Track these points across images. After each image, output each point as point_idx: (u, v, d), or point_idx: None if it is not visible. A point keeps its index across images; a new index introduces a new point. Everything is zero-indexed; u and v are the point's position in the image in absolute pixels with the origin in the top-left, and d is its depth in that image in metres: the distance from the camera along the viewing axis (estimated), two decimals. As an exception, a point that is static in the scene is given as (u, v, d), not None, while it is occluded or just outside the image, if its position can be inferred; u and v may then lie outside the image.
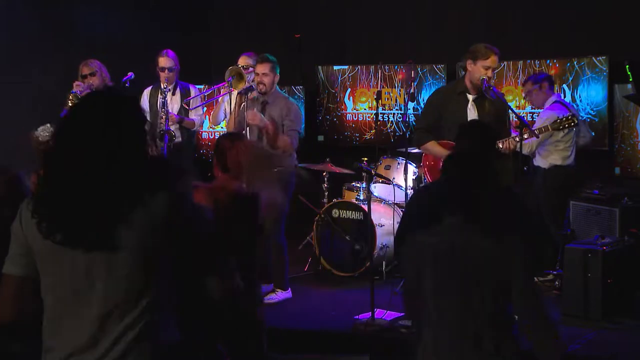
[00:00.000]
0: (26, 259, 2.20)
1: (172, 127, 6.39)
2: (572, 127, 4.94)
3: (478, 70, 5.19)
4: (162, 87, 6.44)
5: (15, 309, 2.22)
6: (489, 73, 5.18)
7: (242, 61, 6.29)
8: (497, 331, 2.74)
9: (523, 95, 6.46)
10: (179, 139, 6.48)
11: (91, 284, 2.14)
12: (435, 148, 5.28)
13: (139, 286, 2.15)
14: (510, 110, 5.18)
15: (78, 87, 6.19)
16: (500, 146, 5.03)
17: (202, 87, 7.16)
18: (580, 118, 6.48)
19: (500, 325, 2.75)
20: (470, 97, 5.25)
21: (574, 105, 6.61)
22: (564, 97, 6.71)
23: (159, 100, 6.43)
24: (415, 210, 3.78)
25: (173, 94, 6.55)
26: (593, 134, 6.53)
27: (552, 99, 6.14)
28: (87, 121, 2.18)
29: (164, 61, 6.45)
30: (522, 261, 2.71)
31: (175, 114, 6.45)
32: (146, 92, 6.63)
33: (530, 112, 6.89)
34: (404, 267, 2.91)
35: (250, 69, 6.06)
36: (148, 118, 6.59)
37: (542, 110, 6.09)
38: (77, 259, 2.14)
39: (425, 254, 2.77)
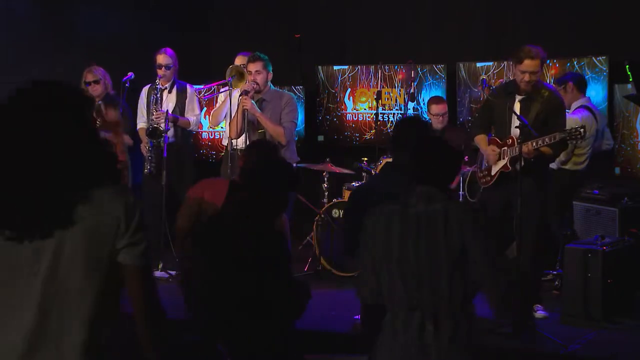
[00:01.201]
0: None
1: (162, 124, 6.36)
2: (575, 139, 4.86)
3: (517, 74, 5.06)
4: (155, 83, 6.44)
5: None
6: (526, 77, 4.99)
7: (239, 61, 6.32)
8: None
9: None
10: (173, 139, 6.48)
11: (29, 281, 2.11)
12: (480, 142, 5.29)
13: (80, 287, 2.12)
14: (513, 112, 5.09)
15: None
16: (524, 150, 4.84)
17: (201, 87, 7.16)
18: (604, 124, 6.38)
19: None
20: (517, 97, 5.12)
21: (601, 112, 6.45)
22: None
23: (152, 97, 6.43)
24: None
25: (170, 92, 6.55)
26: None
27: (580, 101, 6.03)
28: (26, 114, 2.15)
29: (161, 58, 6.45)
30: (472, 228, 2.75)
31: (170, 112, 6.44)
32: (144, 90, 6.64)
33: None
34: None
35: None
36: (145, 115, 6.58)
37: (569, 112, 5.85)
38: (21, 253, 2.11)
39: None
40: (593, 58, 6.73)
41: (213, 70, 7.75)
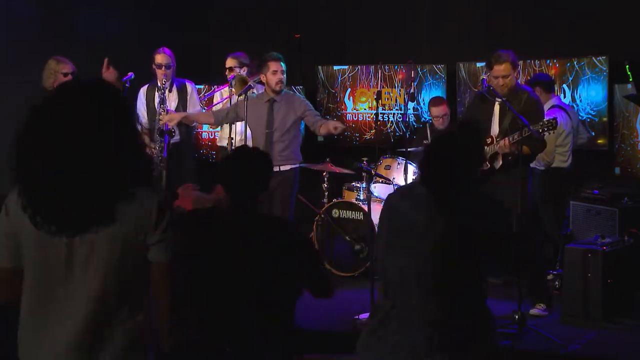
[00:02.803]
0: (15, 251, 2.25)
1: (170, 125, 6.38)
2: (549, 131, 4.99)
3: (491, 79, 5.28)
4: (158, 84, 6.43)
5: (4, 297, 2.30)
6: (500, 82, 5.22)
7: (230, 62, 6.34)
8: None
9: None
10: (177, 139, 6.48)
11: (71, 275, 2.19)
12: None
13: (120, 282, 2.21)
14: (513, 111, 5.18)
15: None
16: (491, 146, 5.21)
17: (201, 87, 7.15)
18: (580, 118, 6.50)
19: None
20: (497, 100, 5.32)
21: (574, 107, 6.60)
22: (564, 97, 6.71)
23: (157, 98, 6.42)
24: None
25: (170, 91, 6.55)
26: (593, 134, 6.54)
27: (551, 102, 6.14)
28: (72, 112, 2.18)
29: (160, 58, 6.44)
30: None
31: (174, 110, 6.44)
32: (142, 91, 6.63)
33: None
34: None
35: (240, 69, 6.18)
36: (145, 117, 6.58)
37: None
38: (62, 249, 2.19)
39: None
40: (593, 58, 6.73)
41: (213, 70, 7.75)
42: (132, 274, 2.23)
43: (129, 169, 2.20)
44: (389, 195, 3.11)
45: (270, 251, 2.97)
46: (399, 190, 3.28)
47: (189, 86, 6.62)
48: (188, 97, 6.58)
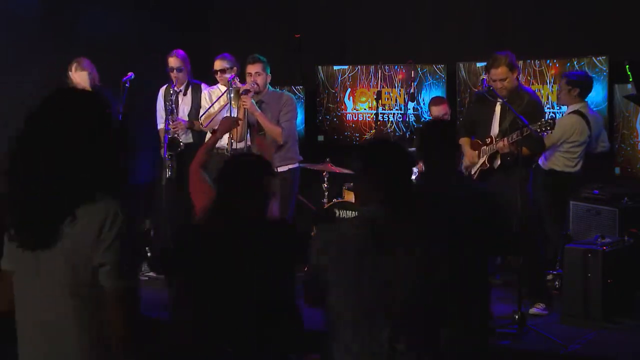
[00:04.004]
0: (13, 255, 2.22)
1: (182, 135, 6.39)
2: (546, 131, 4.98)
3: (490, 82, 5.32)
4: (171, 90, 6.43)
5: (4, 302, 2.26)
6: (498, 85, 5.28)
7: (218, 65, 6.35)
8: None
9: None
10: (190, 140, 6.48)
11: (36, 286, 2.15)
12: (463, 145, 5.53)
13: (74, 304, 2.10)
14: (512, 111, 5.19)
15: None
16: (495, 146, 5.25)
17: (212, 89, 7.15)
18: (600, 128, 6.33)
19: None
20: (498, 101, 5.36)
21: (600, 112, 6.45)
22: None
23: (167, 107, 6.40)
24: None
25: (185, 94, 6.54)
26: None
27: (576, 106, 6.04)
28: (47, 122, 2.13)
29: (172, 61, 6.45)
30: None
31: (184, 119, 6.44)
32: (161, 92, 6.62)
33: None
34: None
35: (229, 70, 6.19)
36: (162, 116, 6.54)
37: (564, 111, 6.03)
38: (32, 261, 2.14)
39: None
40: (593, 58, 6.72)
41: (213, 70, 7.74)
42: (87, 296, 2.08)
43: (90, 178, 2.08)
44: None
45: (269, 251, 2.96)
46: None
47: (204, 89, 6.61)
48: (201, 101, 6.56)
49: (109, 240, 2.04)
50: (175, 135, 6.38)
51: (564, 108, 6.34)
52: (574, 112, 6.03)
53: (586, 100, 6.15)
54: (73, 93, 2.24)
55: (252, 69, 5.89)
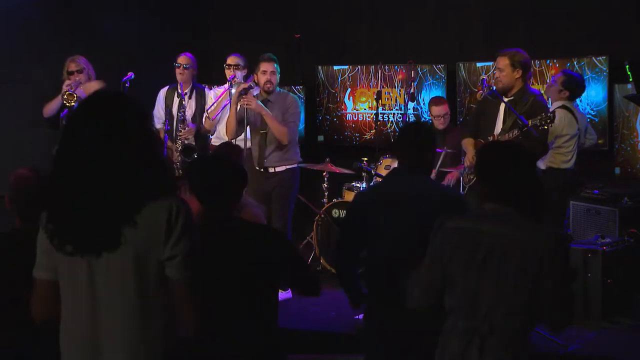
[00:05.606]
0: (52, 264, 2.26)
1: (191, 138, 6.39)
2: (546, 125, 5.02)
3: (490, 78, 5.45)
4: (179, 90, 6.42)
5: (43, 310, 2.30)
6: (496, 74, 5.39)
7: (232, 60, 6.34)
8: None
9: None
10: (193, 144, 6.49)
11: (93, 290, 2.20)
12: (466, 145, 5.59)
13: (138, 291, 2.18)
14: (511, 109, 5.22)
15: (69, 87, 6.19)
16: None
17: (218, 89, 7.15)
18: (587, 121, 6.41)
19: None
20: (503, 100, 5.37)
21: (585, 116, 6.44)
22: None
23: (178, 116, 6.39)
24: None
25: (190, 97, 6.53)
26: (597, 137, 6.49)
27: (561, 102, 6.05)
28: (90, 126, 2.16)
29: (182, 59, 6.42)
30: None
31: (191, 123, 6.44)
32: (162, 93, 6.59)
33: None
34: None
35: (241, 68, 6.19)
36: (162, 117, 6.54)
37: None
38: (84, 266, 2.19)
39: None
40: (593, 58, 6.73)
41: (213, 70, 7.75)
42: (152, 292, 2.18)
43: (145, 184, 2.16)
44: None
45: (248, 254, 2.97)
46: None
47: (207, 92, 6.61)
48: (205, 104, 6.56)
49: (177, 234, 2.16)
50: (187, 140, 6.37)
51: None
52: (560, 107, 6.04)
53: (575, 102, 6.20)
54: (111, 96, 2.27)
55: (268, 67, 5.90)
